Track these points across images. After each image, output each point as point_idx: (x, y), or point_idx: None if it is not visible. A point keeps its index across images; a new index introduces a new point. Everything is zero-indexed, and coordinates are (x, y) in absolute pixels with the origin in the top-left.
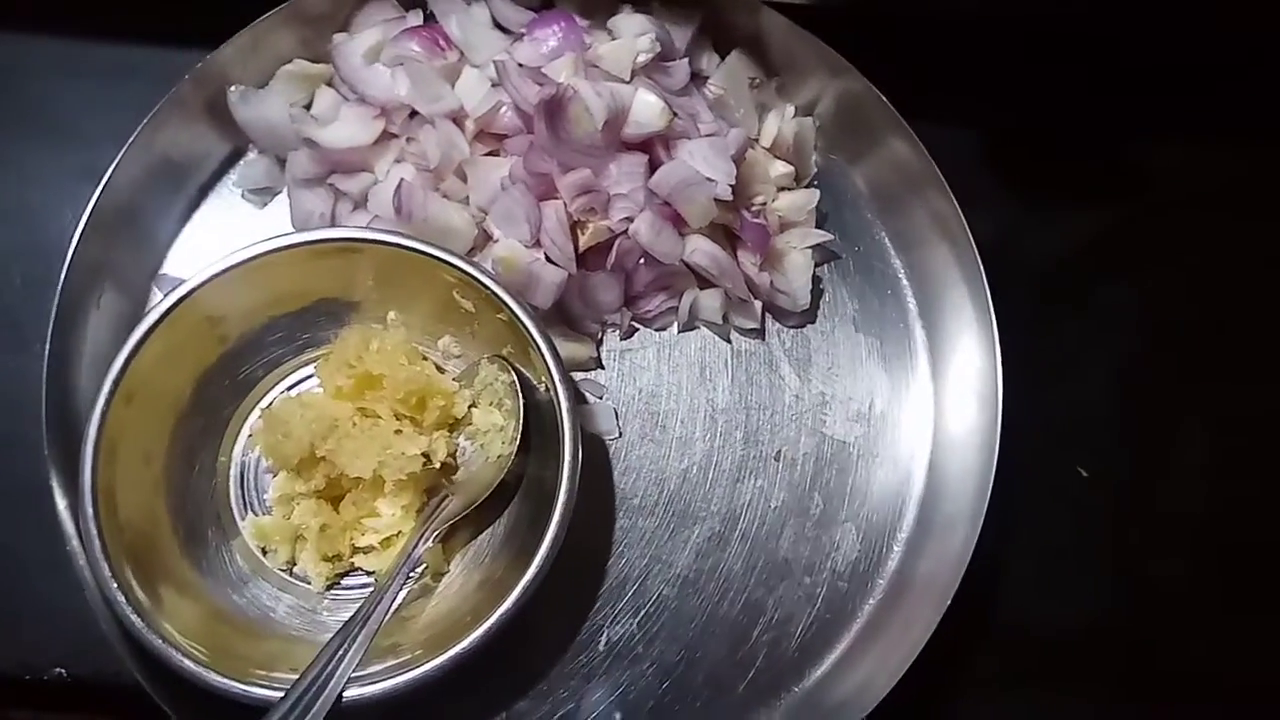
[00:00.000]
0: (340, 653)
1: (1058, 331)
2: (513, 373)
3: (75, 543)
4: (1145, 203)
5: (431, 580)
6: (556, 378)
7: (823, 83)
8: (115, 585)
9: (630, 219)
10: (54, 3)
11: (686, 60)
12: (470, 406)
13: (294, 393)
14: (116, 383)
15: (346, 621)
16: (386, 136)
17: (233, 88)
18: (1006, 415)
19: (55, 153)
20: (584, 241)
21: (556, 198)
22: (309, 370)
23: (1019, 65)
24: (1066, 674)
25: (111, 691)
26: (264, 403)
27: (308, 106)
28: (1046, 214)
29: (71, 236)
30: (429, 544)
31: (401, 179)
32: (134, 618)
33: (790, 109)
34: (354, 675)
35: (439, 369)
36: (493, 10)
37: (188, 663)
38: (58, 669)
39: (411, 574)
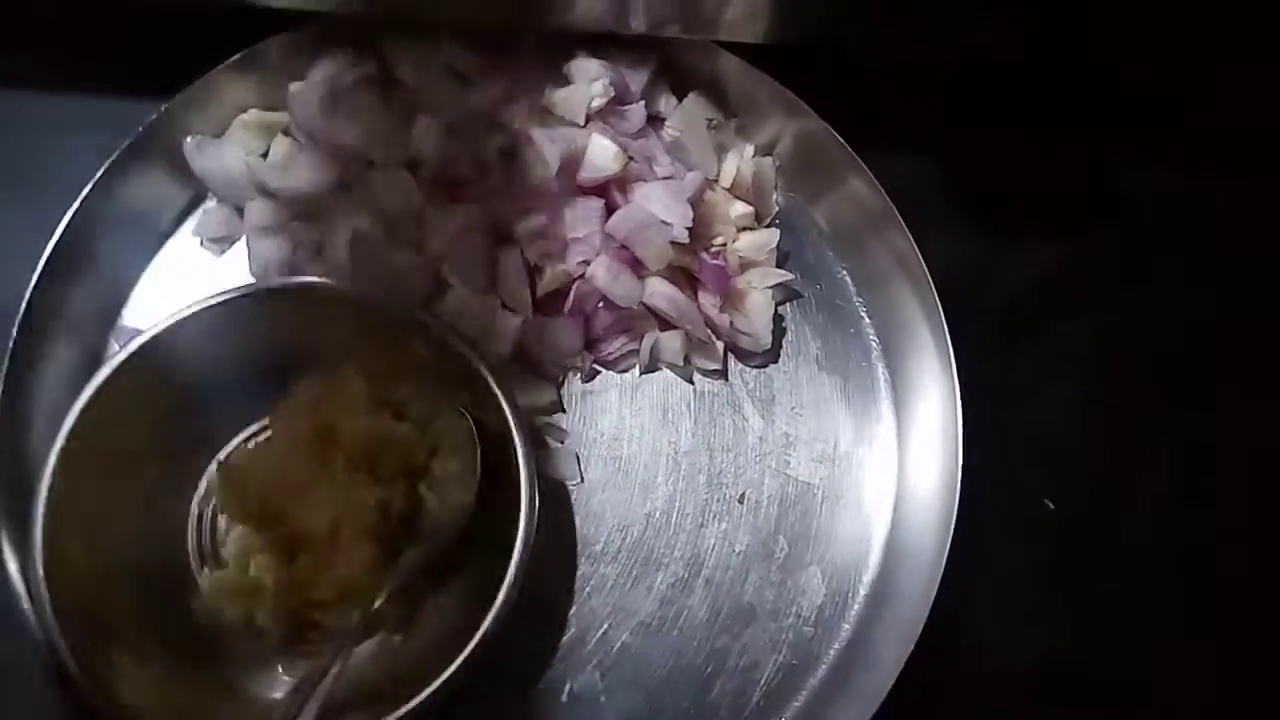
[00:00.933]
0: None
1: (1020, 365)
2: (470, 420)
3: (27, 605)
4: (1105, 235)
5: (393, 635)
6: (513, 424)
7: (780, 123)
8: (69, 653)
9: (588, 263)
10: (6, 57)
11: (642, 103)
12: (430, 456)
13: (250, 445)
14: (70, 436)
15: (298, 683)
16: (343, 185)
17: (189, 138)
18: (972, 450)
19: (9, 204)
20: (542, 286)
21: (513, 243)
22: (266, 421)
23: (975, 101)
24: (1037, 712)
25: None
26: (221, 454)
27: (265, 155)
28: (1006, 247)
29: (25, 287)
30: (382, 599)
31: (354, 228)
32: (89, 689)
33: (749, 149)
34: None
35: (399, 417)
36: (448, 58)
37: None
38: None
39: (372, 630)
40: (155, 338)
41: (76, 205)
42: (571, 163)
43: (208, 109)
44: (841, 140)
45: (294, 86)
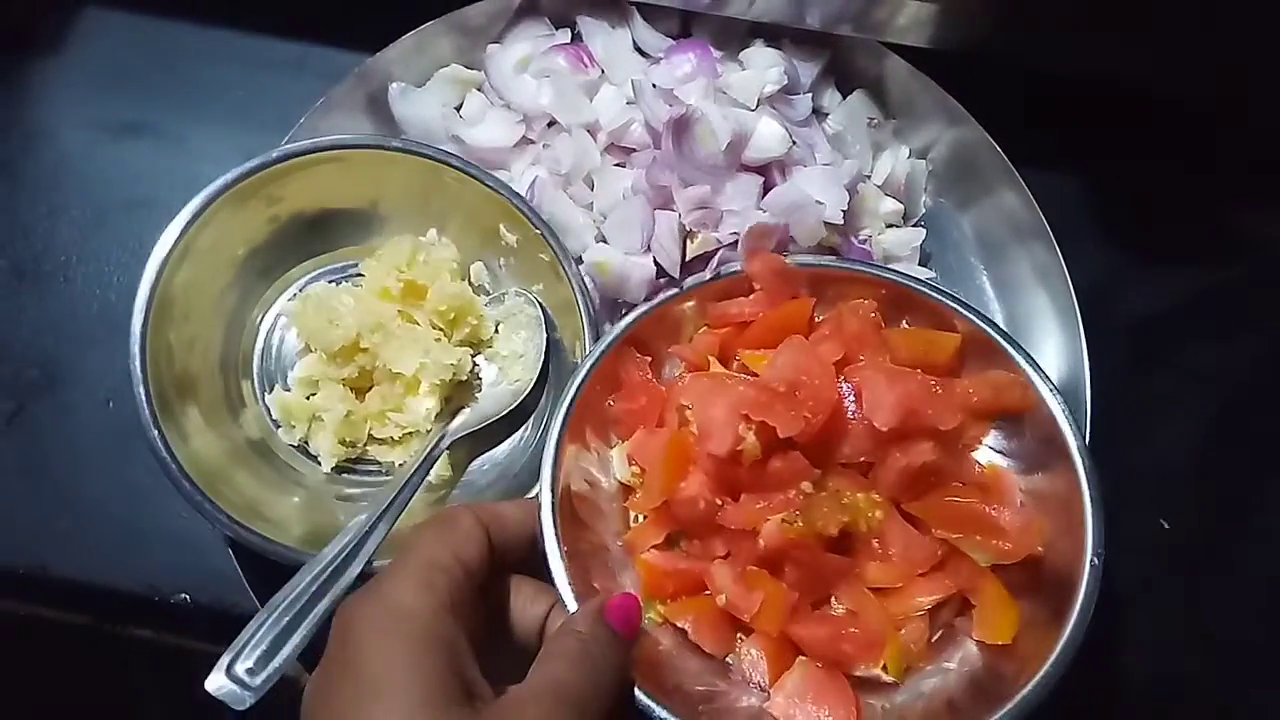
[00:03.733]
0: (374, 523)
1: (1149, 384)
2: (539, 308)
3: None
4: (1244, 268)
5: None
6: (585, 323)
7: (940, 128)
8: (156, 427)
9: (737, 234)
10: (235, 3)
11: (810, 95)
12: (494, 331)
13: (320, 287)
14: (178, 239)
15: (376, 501)
16: (525, 141)
17: (394, 84)
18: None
19: (225, 134)
20: (691, 250)
21: (671, 209)
22: (334, 268)
23: (1133, 124)
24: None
25: (227, 621)
26: (292, 289)
27: (458, 108)
28: (1144, 270)
29: None
30: (445, 447)
31: (536, 176)
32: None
33: (905, 150)
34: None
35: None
36: (635, 35)
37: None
38: (182, 594)
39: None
40: (271, 163)
41: (287, 138)
42: (739, 141)
43: (412, 61)
44: (1000, 151)
45: (491, 48)
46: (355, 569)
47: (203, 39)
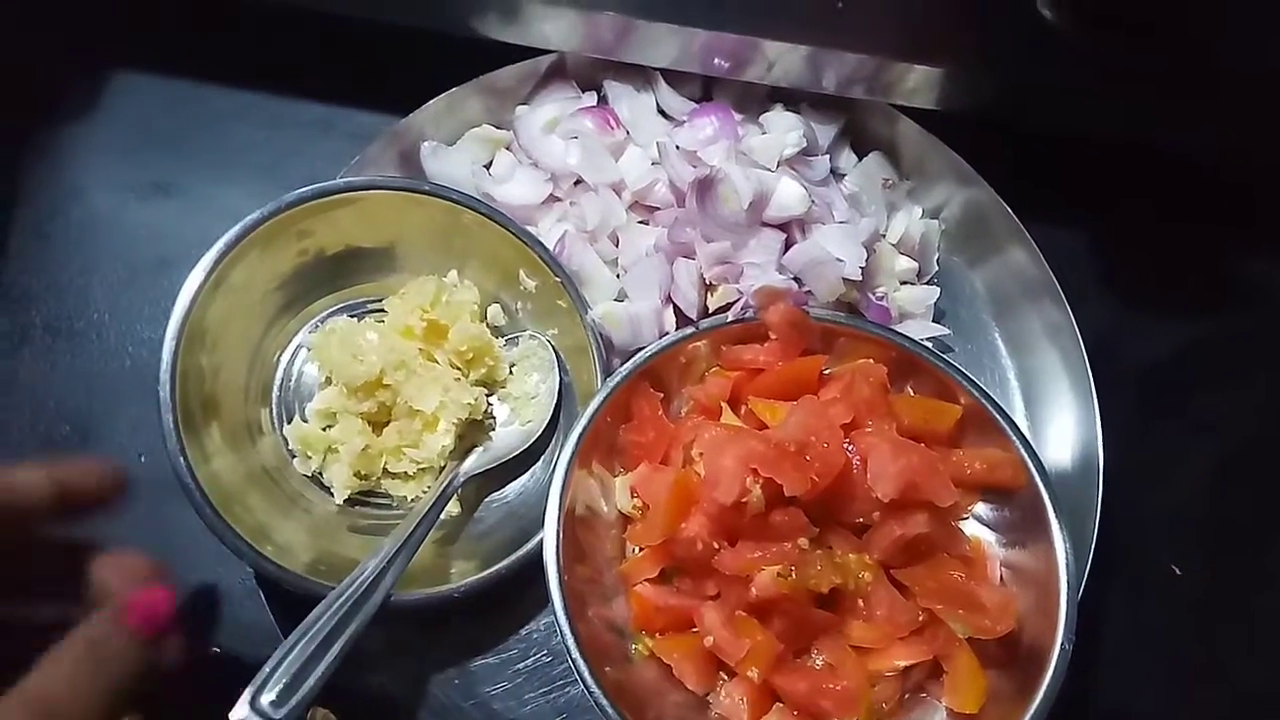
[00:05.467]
0: (392, 556)
1: (1158, 432)
2: (553, 351)
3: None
4: (1250, 318)
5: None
6: (598, 369)
7: (951, 188)
8: (179, 446)
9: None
10: (263, 62)
11: (827, 157)
12: (509, 372)
13: (343, 321)
14: (210, 270)
15: (394, 536)
16: (552, 199)
17: (426, 143)
18: (1104, 509)
19: (252, 193)
20: (714, 301)
21: (691, 258)
22: (353, 303)
23: (1139, 179)
24: None
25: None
26: (312, 322)
27: (488, 166)
28: (1151, 323)
29: None
30: (461, 484)
31: (565, 230)
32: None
33: (918, 210)
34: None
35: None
36: (659, 99)
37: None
38: (214, 647)
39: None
40: (305, 200)
41: None
42: (760, 201)
43: (442, 122)
44: (1010, 211)
45: (520, 109)
46: (376, 600)
47: (230, 101)
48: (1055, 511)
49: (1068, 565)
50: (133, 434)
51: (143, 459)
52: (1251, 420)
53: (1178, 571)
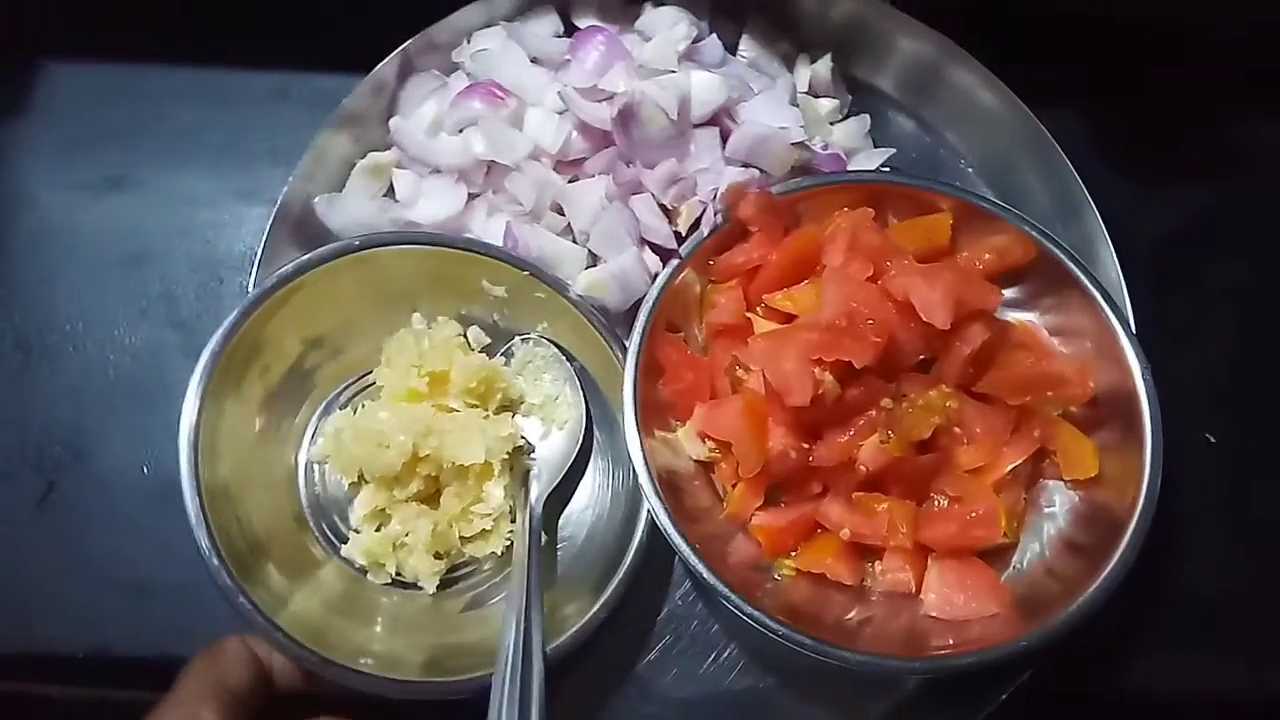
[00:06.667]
0: (527, 614)
1: (1175, 305)
2: (550, 345)
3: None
4: (1253, 180)
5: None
6: (606, 339)
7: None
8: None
9: (716, 188)
10: (204, 35)
11: (714, 35)
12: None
13: (342, 418)
14: (195, 427)
15: (512, 592)
16: (471, 196)
17: (316, 199)
18: None
19: (213, 174)
20: (682, 223)
21: (643, 193)
22: (330, 399)
23: (1124, 49)
24: (1200, 637)
25: None
26: (307, 437)
27: (391, 194)
28: (1156, 193)
29: None
30: (540, 513)
31: (506, 221)
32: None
33: (805, 57)
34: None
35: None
36: (528, 49)
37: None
38: None
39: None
40: (231, 328)
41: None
42: (683, 105)
43: (319, 174)
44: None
45: (394, 122)
46: (539, 666)
47: (175, 81)
48: (1072, 261)
49: (1107, 302)
50: (130, 447)
51: (145, 469)
52: (1267, 283)
53: (1211, 440)
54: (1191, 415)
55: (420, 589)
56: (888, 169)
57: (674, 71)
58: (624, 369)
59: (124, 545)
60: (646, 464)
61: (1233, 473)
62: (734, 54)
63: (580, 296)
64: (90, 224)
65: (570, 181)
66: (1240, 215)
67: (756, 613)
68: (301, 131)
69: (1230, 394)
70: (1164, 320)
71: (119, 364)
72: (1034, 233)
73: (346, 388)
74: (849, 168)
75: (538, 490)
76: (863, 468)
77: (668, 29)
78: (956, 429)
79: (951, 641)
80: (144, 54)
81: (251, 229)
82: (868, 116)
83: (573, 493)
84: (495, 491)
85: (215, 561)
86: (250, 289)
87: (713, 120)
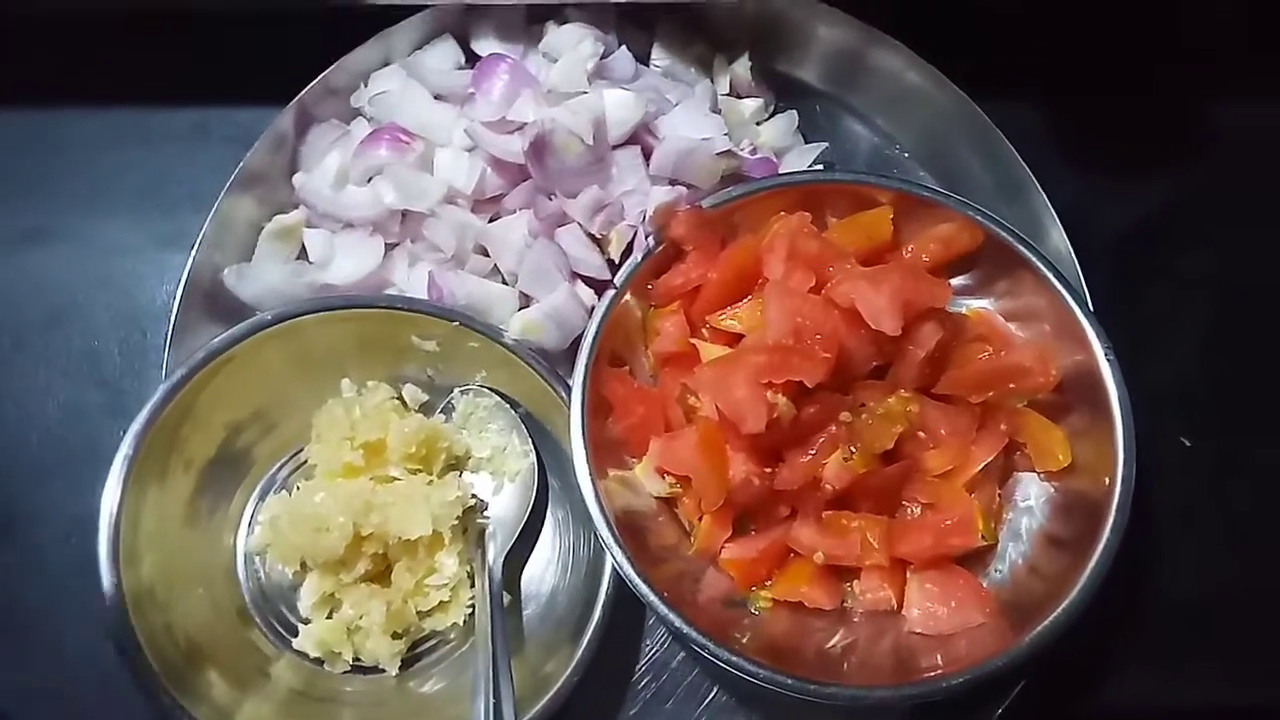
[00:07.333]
0: (497, 690)
1: (1143, 300)
2: (493, 394)
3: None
4: (1213, 167)
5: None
6: (549, 381)
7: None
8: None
9: (644, 209)
10: (117, 74)
11: (623, 47)
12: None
13: (276, 503)
14: (114, 529)
15: (480, 664)
16: (389, 247)
17: (225, 271)
18: None
19: (134, 222)
20: (613, 251)
21: (569, 223)
22: (264, 482)
23: (1076, 37)
24: (1185, 645)
25: None
26: (243, 528)
27: (301, 256)
28: (1119, 185)
29: None
30: (500, 577)
31: (428, 271)
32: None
33: (721, 58)
34: None
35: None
36: (428, 86)
37: None
38: None
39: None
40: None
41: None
42: (598, 127)
43: (225, 243)
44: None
45: (298, 179)
46: None
47: (90, 124)
48: (1021, 243)
49: (1061, 281)
50: (58, 516)
51: (71, 539)
52: (1234, 274)
53: (1187, 444)
54: (1164, 416)
55: (383, 672)
56: (821, 165)
57: (585, 93)
58: (570, 410)
59: (51, 619)
60: (602, 509)
61: (1210, 474)
62: (647, 64)
63: (516, 341)
64: (6, 280)
65: (490, 220)
66: (1204, 205)
67: (734, 658)
68: (224, 170)
69: (1205, 392)
70: (1131, 317)
71: (42, 430)
72: (979, 217)
73: (283, 466)
74: (781, 169)
75: (495, 550)
76: (829, 486)
77: (573, 48)
78: (921, 434)
79: (939, 659)
80: (56, 96)
81: (173, 278)
82: (795, 112)
83: (533, 547)
84: (448, 561)
85: (147, 684)
86: (165, 368)
87: (632, 139)
